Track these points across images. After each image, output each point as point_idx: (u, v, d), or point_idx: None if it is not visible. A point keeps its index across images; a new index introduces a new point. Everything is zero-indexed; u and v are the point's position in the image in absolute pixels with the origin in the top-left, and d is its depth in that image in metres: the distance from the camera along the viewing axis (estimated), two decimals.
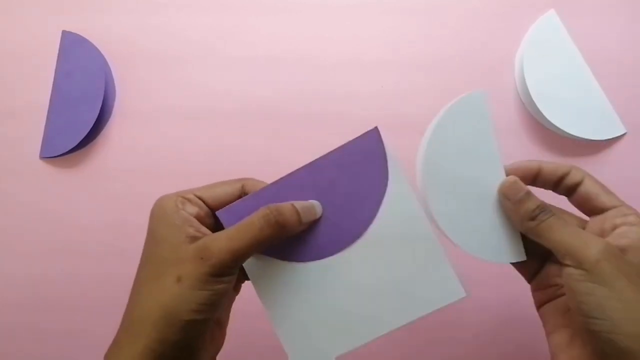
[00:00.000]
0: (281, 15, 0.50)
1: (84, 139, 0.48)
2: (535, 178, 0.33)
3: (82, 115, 0.48)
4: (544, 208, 0.31)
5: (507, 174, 0.32)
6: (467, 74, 0.48)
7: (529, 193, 0.31)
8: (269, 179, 0.33)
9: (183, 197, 0.31)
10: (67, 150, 0.49)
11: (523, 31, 0.48)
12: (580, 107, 0.47)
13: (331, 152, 0.32)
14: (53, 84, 0.50)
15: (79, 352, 0.49)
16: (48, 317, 0.49)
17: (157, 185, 0.49)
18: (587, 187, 0.32)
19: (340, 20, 0.49)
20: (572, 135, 0.47)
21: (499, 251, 0.32)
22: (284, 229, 0.30)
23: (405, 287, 0.32)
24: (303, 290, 0.32)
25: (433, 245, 0.32)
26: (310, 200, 0.32)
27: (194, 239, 0.30)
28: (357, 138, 0.32)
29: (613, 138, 0.47)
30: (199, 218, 0.31)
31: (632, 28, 0.48)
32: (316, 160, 0.32)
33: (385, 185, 0.32)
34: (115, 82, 0.50)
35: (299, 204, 0.31)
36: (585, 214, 0.32)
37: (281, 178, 0.32)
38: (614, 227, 0.30)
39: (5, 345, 0.49)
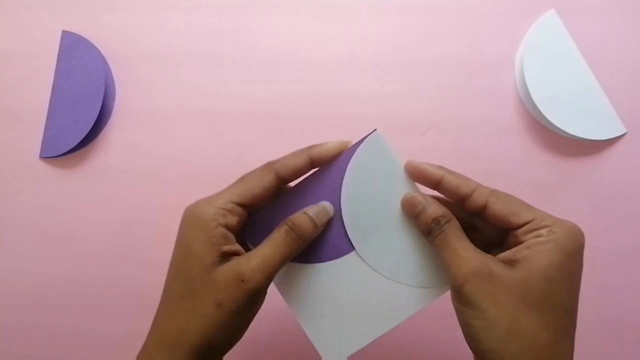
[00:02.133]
0: (281, 15, 0.50)
1: (83, 139, 0.48)
2: (436, 187, 0.31)
3: (82, 115, 0.48)
4: (438, 221, 0.30)
5: (408, 171, 0.32)
6: (467, 74, 0.48)
7: (426, 205, 0.30)
8: None
9: (224, 209, 0.30)
10: (67, 150, 0.49)
11: (523, 31, 0.48)
12: (580, 107, 0.47)
13: (339, 158, 0.33)
14: (53, 84, 0.50)
15: (79, 351, 0.49)
16: (48, 317, 0.49)
17: (157, 186, 0.49)
18: (494, 210, 0.30)
19: (341, 19, 0.49)
20: (572, 135, 0.47)
21: (438, 276, 0.32)
22: (305, 240, 0.31)
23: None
24: (325, 289, 0.33)
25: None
26: (321, 203, 0.33)
27: (225, 256, 0.30)
28: (359, 142, 0.33)
29: (613, 138, 0.47)
30: (237, 226, 0.31)
31: (633, 28, 0.48)
32: (326, 167, 0.33)
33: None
34: (115, 82, 0.50)
35: (311, 211, 0.32)
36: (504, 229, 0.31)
37: (294, 186, 0.34)
38: (519, 243, 0.29)
39: (5, 345, 0.49)
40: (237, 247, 0.31)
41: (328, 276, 0.33)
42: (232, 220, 0.30)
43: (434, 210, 0.30)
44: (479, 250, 0.29)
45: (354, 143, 0.33)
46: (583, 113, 0.47)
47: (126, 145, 0.50)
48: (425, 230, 0.30)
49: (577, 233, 0.28)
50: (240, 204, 0.31)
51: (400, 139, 0.48)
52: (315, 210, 0.32)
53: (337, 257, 0.33)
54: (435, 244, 0.30)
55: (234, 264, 0.30)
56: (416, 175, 0.32)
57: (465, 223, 0.32)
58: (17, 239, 0.49)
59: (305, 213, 0.31)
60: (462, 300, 0.28)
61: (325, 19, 0.49)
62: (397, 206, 0.32)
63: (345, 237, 0.33)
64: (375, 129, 0.33)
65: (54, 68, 0.50)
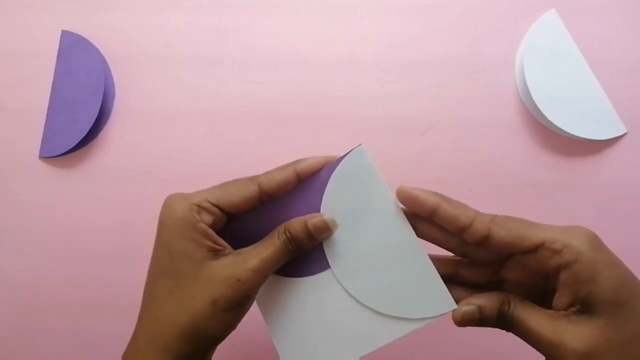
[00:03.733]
0: (281, 15, 0.50)
1: (83, 139, 0.48)
2: (431, 216, 0.30)
3: (82, 115, 0.48)
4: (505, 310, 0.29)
5: (400, 198, 0.30)
6: (467, 74, 0.48)
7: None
8: None
9: (198, 206, 0.30)
10: (66, 150, 0.49)
11: (523, 31, 0.48)
12: (580, 106, 0.47)
13: (323, 170, 0.32)
14: (52, 84, 0.50)
15: (79, 352, 0.48)
16: (47, 317, 0.49)
17: (156, 186, 0.49)
18: (498, 239, 0.28)
19: (341, 19, 0.49)
20: (573, 135, 0.47)
21: (423, 306, 0.30)
22: (301, 251, 0.31)
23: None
24: (298, 305, 0.32)
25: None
26: (324, 216, 0.31)
27: (215, 253, 0.30)
28: (344, 156, 0.32)
29: (614, 138, 0.47)
30: (214, 226, 0.31)
31: (633, 27, 0.48)
32: (310, 178, 0.32)
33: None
34: (115, 82, 0.50)
35: (311, 223, 0.31)
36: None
37: (283, 196, 0.32)
38: (537, 264, 0.28)
39: (5, 345, 0.49)
40: (222, 242, 0.31)
41: (303, 292, 0.32)
42: (207, 218, 0.30)
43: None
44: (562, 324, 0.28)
45: (338, 157, 0.32)
46: (583, 113, 0.47)
47: (126, 145, 0.50)
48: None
49: (592, 235, 0.28)
50: (216, 206, 0.31)
51: (400, 139, 0.48)
52: (314, 223, 0.31)
53: (314, 274, 0.32)
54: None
55: (229, 262, 0.30)
56: (408, 202, 0.30)
57: (459, 251, 0.31)
58: (16, 239, 0.49)
59: (307, 222, 0.31)
60: None
61: (325, 19, 0.49)
62: (376, 227, 0.31)
63: (323, 254, 0.32)
64: (360, 144, 0.31)
65: (54, 68, 0.50)
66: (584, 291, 0.27)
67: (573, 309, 0.28)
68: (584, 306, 0.27)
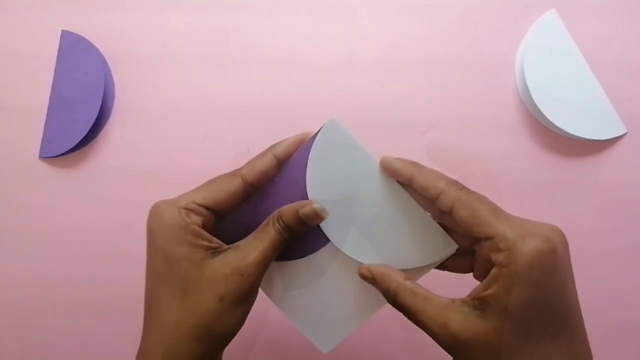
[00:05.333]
0: (281, 15, 0.50)
1: (83, 139, 0.48)
2: (409, 184, 0.31)
3: (82, 115, 0.48)
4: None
5: (382, 167, 0.32)
6: (467, 74, 0.48)
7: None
8: None
9: (186, 209, 0.30)
10: (66, 150, 0.49)
11: (523, 31, 0.48)
12: (580, 106, 0.47)
13: (300, 150, 0.33)
14: (52, 84, 0.50)
15: (78, 352, 0.48)
16: (47, 317, 0.49)
17: (156, 186, 0.49)
18: (459, 217, 0.29)
19: (341, 19, 0.49)
20: (573, 135, 0.47)
21: (427, 253, 0.32)
22: (295, 238, 0.32)
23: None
24: (307, 283, 0.33)
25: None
26: (314, 205, 0.32)
27: (213, 251, 0.30)
28: (317, 133, 0.33)
29: (614, 138, 0.47)
30: (205, 226, 0.31)
31: (633, 27, 0.48)
32: (290, 161, 0.33)
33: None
34: (115, 82, 0.50)
35: (302, 212, 0.31)
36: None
37: (271, 181, 0.33)
38: (484, 259, 0.29)
39: (5, 345, 0.49)
40: (216, 240, 0.31)
41: (309, 270, 0.33)
42: (197, 219, 0.30)
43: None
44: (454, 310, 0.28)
45: (313, 134, 0.33)
46: (583, 113, 0.47)
47: (126, 145, 0.50)
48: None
49: (545, 251, 0.26)
50: (203, 206, 0.31)
51: (400, 139, 0.48)
52: (305, 212, 0.31)
53: (314, 251, 0.33)
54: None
55: (229, 259, 0.30)
56: (389, 172, 0.31)
57: (438, 218, 0.32)
58: (16, 239, 0.49)
59: (298, 211, 0.31)
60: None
61: (325, 19, 0.49)
62: (366, 191, 0.32)
63: (319, 230, 0.32)
64: (331, 116, 0.32)
65: (54, 68, 0.50)
66: (493, 294, 0.27)
67: (471, 301, 0.28)
68: (482, 304, 0.27)
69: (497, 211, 0.29)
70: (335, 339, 0.33)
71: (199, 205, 0.31)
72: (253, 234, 0.31)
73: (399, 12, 0.49)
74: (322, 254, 0.33)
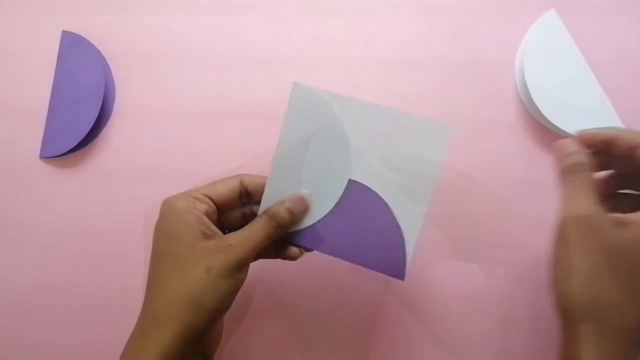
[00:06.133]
0: (281, 16, 0.50)
1: (83, 139, 0.48)
2: (608, 147, 0.34)
3: (82, 115, 0.48)
4: (573, 166, 0.34)
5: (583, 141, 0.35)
6: (467, 74, 0.48)
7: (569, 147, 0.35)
8: None
9: (193, 197, 0.34)
10: (66, 150, 0.49)
11: (523, 31, 0.48)
12: (580, 106, 0.47)
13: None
14: (53, 84, 0.50)
15: (78, 352, 0.48)
16: (47, 317, 0.49)
17: (157, 186, 0.49)
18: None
19: (341, 19, 0.49)
20: (573, 135, 0.47)
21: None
22: (284, 228, 0.35)
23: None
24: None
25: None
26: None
27: (207, 236, 0.33)
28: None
29: None
30: (207, 215, 0.34)
31: (633, 27, 0.48)
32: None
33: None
34: (115, 82, 0.50)
35: (290, 202, 0.36)
36: None
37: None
38: None
39: (5, 345, 0.49)
40: (214, 228, 0.34)
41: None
42: (201, 207, 0.34)
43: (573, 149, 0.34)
44: (596, 202, 0.31)
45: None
46: (583, 113, 0.47)
47: (126, 146, 0.50)
48: (560, 171, 0.34)
49: None
50: (207, 197, 0.35)
51: None
52: (292, 200, 0.36)
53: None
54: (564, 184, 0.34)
55: (220, 239, 0.33)
56: (589, 142, 0.34)
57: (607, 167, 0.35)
58: (16, 239, 0.49)
59: (286, 207, 0.35)
60: (557, 240, 0.31)
61: (325, 19, 0.49)
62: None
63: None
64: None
65: (54, 68, 0.50)
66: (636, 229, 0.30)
67: (617, 219, 0.31)
68: (623, 229, 0.30)
69: None
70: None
71: (204, 195, 0.35)
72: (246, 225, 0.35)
73: (398, 13, 0.49)
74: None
